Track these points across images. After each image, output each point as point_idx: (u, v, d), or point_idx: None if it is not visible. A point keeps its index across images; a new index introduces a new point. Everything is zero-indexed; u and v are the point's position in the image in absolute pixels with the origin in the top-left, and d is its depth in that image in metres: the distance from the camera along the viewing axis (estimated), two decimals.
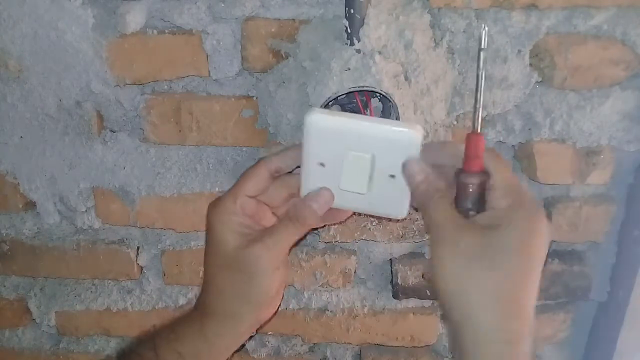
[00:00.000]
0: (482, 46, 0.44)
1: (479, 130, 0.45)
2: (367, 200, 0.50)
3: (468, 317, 0.43)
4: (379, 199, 0.50)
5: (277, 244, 0.50)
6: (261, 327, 0.56)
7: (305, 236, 0.53)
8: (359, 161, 0.48)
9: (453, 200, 0.46)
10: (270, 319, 0.55)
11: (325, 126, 0.47)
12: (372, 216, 0.64)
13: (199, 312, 0.53)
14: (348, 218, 0.55)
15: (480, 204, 0.46)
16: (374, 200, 0.50)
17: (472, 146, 0.45)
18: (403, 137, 0.46)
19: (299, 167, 0.51)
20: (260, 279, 0.49)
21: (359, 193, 0.49)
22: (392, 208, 0.51)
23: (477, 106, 0.45)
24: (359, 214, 0.65)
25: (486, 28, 0.44)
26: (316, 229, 0.66)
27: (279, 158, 0.52)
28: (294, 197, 0.52)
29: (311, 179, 0.50)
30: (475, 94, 0.45)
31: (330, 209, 0.51)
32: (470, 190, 0.45)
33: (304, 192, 0.51)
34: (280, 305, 0.57)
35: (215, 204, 0.51)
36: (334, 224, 0.66)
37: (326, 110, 0.47)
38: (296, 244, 0.52)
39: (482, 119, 0.45)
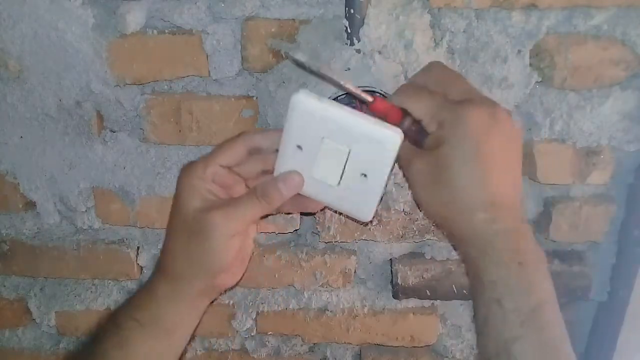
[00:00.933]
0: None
1: (370, 100, 0.49)
2: (336, 195, 0.51)
3: (447, 221, 0.49)
4: (347, 196, 0.51)
5: (237, 215, 0.50)
6: (221, 294, 0.58)
7: (268, 215, 0.54)
8: (335, 152, 0.48)
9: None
10: (230, 289, 0.58)
11: (309, 109, 0.47)
12: (340, 213, 0.64)
13: (155, 275, 0.54)
14: (320, 210, 0.56)
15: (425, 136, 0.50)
16: (343, 196, 0.51)
17: (379, 110, 0.49)
18: (382, 138, 0.47)
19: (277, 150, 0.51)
20: (213, 245, 0.50)
21: (329, 185, 0.50)
22: (359, 208, 0.52)
23: (349, 88, 0.49)
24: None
25: None
26: (296, 214, 0.66)
27: (260, 137, 0.53)
28: (267, 174, 0.53)
29: (286, 160, 0.50)
30: (341, 88, 0.49)
31: (301, 196, 0.52)
32: (410, 130, 0.49)
33: (276, 171, 0.51)
34: (243, 276, 0.57)
35: (186, 167, 0.52)
36: (307, 215, 0.67)
37: (314, 94, 0.47)
38: (262, 218, 0.53)
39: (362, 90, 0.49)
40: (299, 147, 0.49)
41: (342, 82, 0.48)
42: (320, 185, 0.50)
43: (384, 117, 0.49)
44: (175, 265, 0.52)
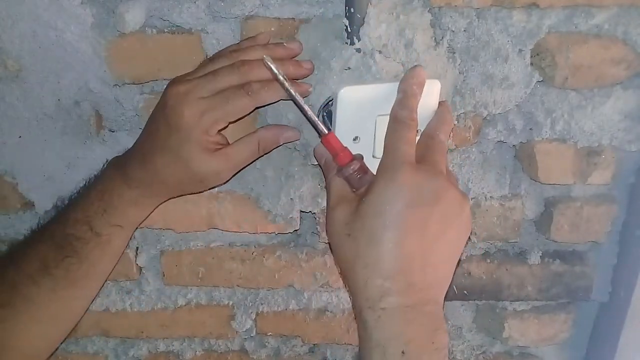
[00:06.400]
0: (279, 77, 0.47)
1: (325, 132, 0.48)
2: None
3: (345, 273, 0.47)
4: None
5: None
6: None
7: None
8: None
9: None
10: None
11: (357, 97, 0.48)
12: None
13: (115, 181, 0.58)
14: None
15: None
16: None
17: (330, 147, 0.48)
18: (427, 87, 0.49)
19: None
20: (191, 142, 0.52)
21: None
22: None
23: (309, 115, 0.48)
24: None
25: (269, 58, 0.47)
26: (297, 215, 0.65)
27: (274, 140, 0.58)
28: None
29: None
30: (301, 110, 0.48)
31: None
32: (353, 177, 0.48)
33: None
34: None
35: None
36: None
37: (353, 84, 0.48)
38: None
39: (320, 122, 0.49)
40: (356, 138, 0.50)
41: (304, 106, 0.47)
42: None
43: (333, 154, 0.48)
44: (146, 147, 0.55)
